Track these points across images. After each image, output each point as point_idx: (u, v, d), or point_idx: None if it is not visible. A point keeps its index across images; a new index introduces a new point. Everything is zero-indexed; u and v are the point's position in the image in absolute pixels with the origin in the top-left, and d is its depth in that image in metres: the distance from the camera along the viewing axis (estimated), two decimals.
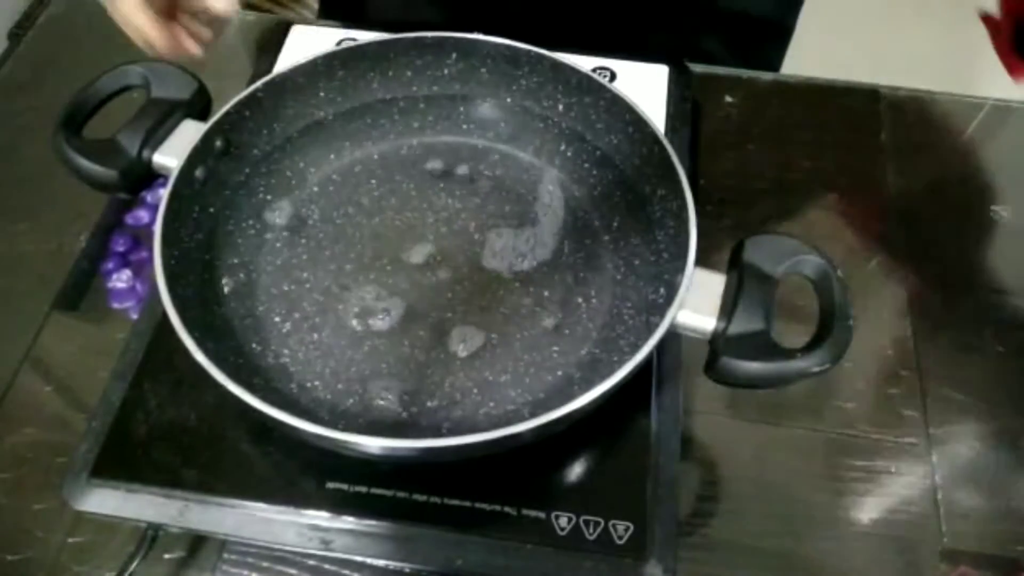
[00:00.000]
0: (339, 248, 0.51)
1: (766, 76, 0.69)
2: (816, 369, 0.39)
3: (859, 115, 0.67)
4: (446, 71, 0.55)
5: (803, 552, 0.47)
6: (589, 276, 0.50)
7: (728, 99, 0.67)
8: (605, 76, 0.62)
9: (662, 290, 0.46)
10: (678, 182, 0.46)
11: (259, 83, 0.51)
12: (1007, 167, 0.65)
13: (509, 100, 0.56)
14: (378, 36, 0.54)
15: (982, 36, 0.63)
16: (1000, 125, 0.67)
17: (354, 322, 0.48)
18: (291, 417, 0.38)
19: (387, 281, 0.50)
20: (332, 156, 0.55)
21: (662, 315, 0.42)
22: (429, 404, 0.45)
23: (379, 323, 0.48)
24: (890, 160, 0.64)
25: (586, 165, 0.54)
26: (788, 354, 0.40)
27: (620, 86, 0.61)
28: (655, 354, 0.48)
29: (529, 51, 0.53)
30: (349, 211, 0.53)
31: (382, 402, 0.45)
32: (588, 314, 0.49)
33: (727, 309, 0.42)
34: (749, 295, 0.42)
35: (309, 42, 0.64)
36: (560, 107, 0.55)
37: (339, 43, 0.64)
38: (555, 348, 0.47)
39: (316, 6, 0.91)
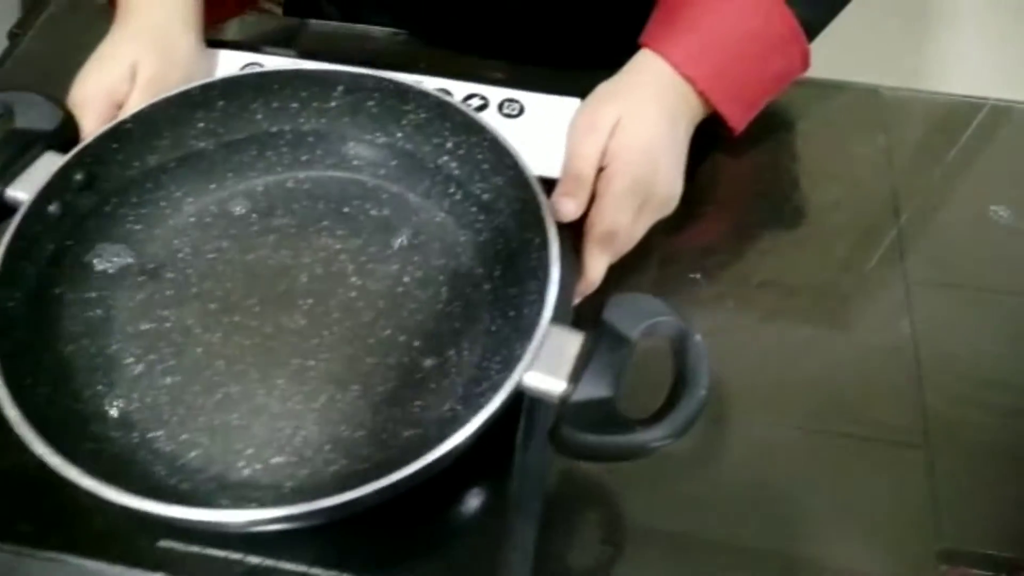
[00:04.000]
0: (206, 286, 0.49)
1: None
2: (656, 444, 0.37)
3: (859, 115, 0.66)
4: (334, 103, 0.54)
5: (803, 552, 0.46)
6: (463, 327, 0.48)
7: None
8: (514, 109, 0.61)
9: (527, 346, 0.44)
10: (545, 231, 0.44)
11: (126, 115, 0.49)
12: (1007, 167, 0.64)
13: (400, 135, 0.54)
14: (272, 66, 0.52)
15: (982, 36, 0.63)
16: (1000, 125, 0.66)
17: (210, 367, 0.46)
18: (87, 479, 0.36)
19: (251, 324, 0.48)
20: (213, 187, 0.53)
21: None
22: (275, 460, 0.43)
23: (235, 368, 0.46)
24: (890, 160, 0.63)
25: (472, 209, 0.52)
26: (629, 426, 0.37)
27: (528, 120, 0.60)
28: (526, 412, 0.46)
29: (412, 88, 0.51)
30: (223, 246, 0.51)
31: (227, 457, 0.43)
32: (457, 367, 0.47)
33: (577, 373, 0.40)
34: (600, 359, 0.40)
35: (213, 64, 0.63)
36: (448, 145, 0.53)
37: (243, 67, 0.62)
38: (418, 403, 0.45)
39: None
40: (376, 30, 0.72)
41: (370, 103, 0.53)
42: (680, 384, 0.39)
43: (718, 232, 0.57)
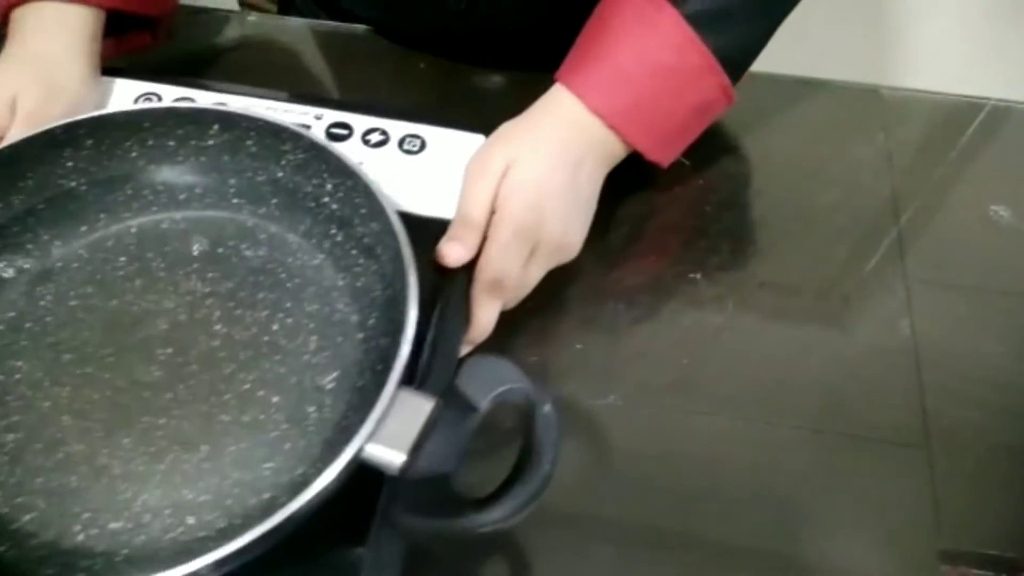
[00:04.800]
0: (64, 335, 0.47)
1: (766, 75, 0.68)
2: (489, 528, 0.34)
3: (859, 115, 0.66)
4: (211, 141, 0.51)
5: (803, 552, 0.45)
6: (329, 381, 0.46)
7: None
8: (415, 145, 0.58)
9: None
10: (405, 284, 0.42)
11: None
12: (1007, 167, 0.64)
13: (281, 175, 0.51)
14: (168, 99, 0.50)
15: (982, 36, 0.63)
16: (1000, 125, 0.66)
17: (55, 423, 0.44)
18: None
19: (103, 376, 0.45)
20: (84, 228, 0.51)
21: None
22: (112, 526, 0.41)
23: (81, 425, 0.44)
24: (890, 160, 0.63)
25: (353, 251, 0.50)
26: (461, 507, 0.35)
27: (429, 157, 0.58)
28: (386, 479, 0.44)
29: (288, 128, 0.49)
30: (88, 291, 0.49)
31: (63, 521, 0.41)
32: (316, 426, 0.44)
33: (419, 445, 0.37)
34: (442, 430, 0.37)
35: (107, 94, 0.60)
36: (328, 187, 0.50)
37: (137, 99, 0.60)
38: (269, 465, 0.43)
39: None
40: (363, 29, 0.72)
41: (248, 142, 0.51)
42: (524, 459, 0.36)
43: (718, 232, 0.57)
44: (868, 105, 0.67)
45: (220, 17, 0.73)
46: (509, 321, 0.52)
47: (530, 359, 0.52)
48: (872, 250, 0.58)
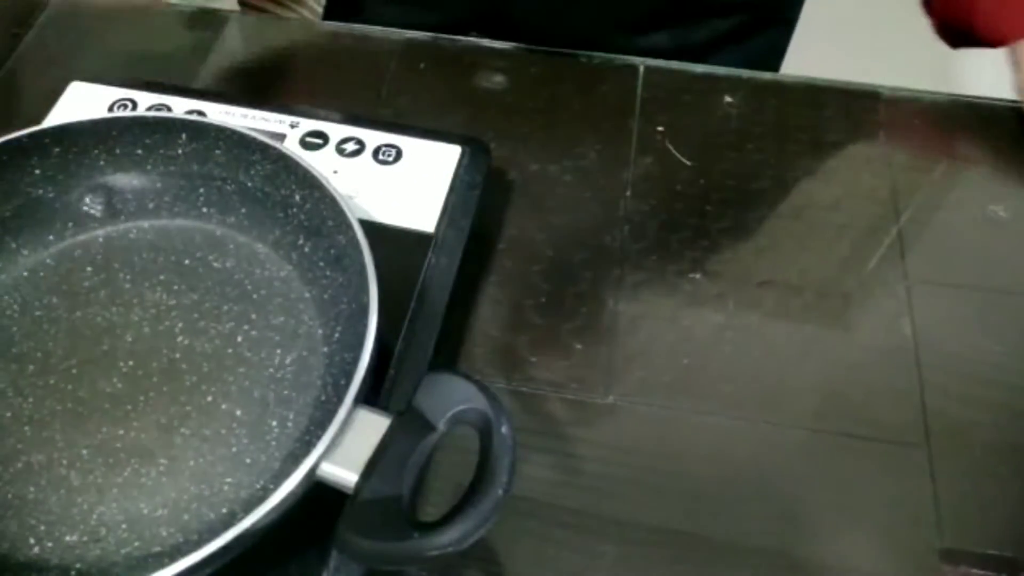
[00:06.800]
0: (27, 345, 0.47)
1: (766, 76, 0.68)
2: (435, 553, 0.34)
3: (859, 115, 0.66)
4: (180, 151, 0.51)
5: (802, 552, 0.45)
6: (292, 395, 0.45)
7: (728, 99, 0.66)
8: (390, 155, 0.58)
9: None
10: (367, 302, 0.42)
11: None
12: (1006, 167, 0.64)
13: (250, 185, 0.51)
14: (143, 107, 0.51)
15: None
16: (1000, 125, 0.66)
17: (16, 434, 0.43)
18: None
19: (66, 387, 0.45)
20: (51, 238, 0.51)
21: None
22: (68, 539, 0.41)
23: (41, 436, 0.43)
24: (890, 160, 0.63)
25: (320, 263, 0.49)
26: (409, 530, 0.34)
27: (404, 167, 0.57)
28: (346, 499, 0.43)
29: (255, 139, 0.48)
30: (53, 301, 0.48)
31: (20, 532, 0.41)
32: (278, 440, 0.44)
33: (372, 466, 0.37)
34: (396, 450, 0.37)
35: (84, 100, 0.60)
36: (297, 197, 0.50)
37: (112, 105, 0.59)
38: (228, 480, 0.43)
39: (317, 7, 0.92)
40: (363, 29, 0.71)
41: (217, 151, 0.50)
42: (478, 481, 0.36)
43: (718, 232, 0.57)
44: (868, 105, 0.67)
45: (220, 17, 0.72)
46: (509, 321, 0.52)
47: (530, 359, 0.52)
48: (872, 249, 0.58)
